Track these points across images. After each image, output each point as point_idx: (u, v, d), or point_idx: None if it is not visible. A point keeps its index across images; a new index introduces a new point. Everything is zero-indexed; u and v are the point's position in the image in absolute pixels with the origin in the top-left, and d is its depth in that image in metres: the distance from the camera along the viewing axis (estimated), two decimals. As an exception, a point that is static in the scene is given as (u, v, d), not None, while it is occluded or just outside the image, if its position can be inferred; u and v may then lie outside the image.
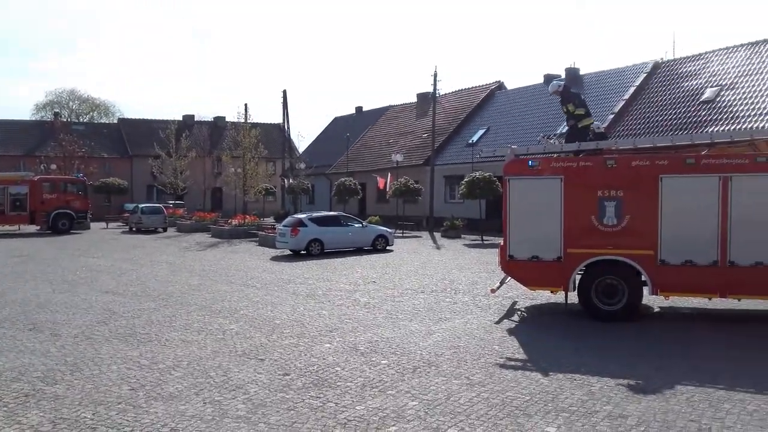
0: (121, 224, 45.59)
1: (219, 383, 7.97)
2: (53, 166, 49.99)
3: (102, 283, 17.05)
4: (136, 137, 61.76)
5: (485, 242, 28.42)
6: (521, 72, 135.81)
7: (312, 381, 8.01)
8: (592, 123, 13.86)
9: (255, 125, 42.82)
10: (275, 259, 23.54)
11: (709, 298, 11.65)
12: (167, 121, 53.63)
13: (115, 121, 72.23)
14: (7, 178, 39.45)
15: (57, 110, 74.16)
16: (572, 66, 39.02)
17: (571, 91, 14.07)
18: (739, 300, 11.66)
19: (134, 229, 40.64)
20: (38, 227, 38.73)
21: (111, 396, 7.40)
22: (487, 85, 46.11)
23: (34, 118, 73.45)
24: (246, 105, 47.34)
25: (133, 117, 69.14)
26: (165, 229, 40.67)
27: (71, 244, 31.00)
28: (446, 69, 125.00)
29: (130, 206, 46.62)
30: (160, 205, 44.00)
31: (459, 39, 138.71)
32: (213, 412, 6.89)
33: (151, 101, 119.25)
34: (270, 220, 43.46)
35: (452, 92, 47.76)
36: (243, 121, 41.77)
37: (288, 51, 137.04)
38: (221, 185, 47.23)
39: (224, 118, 60.02)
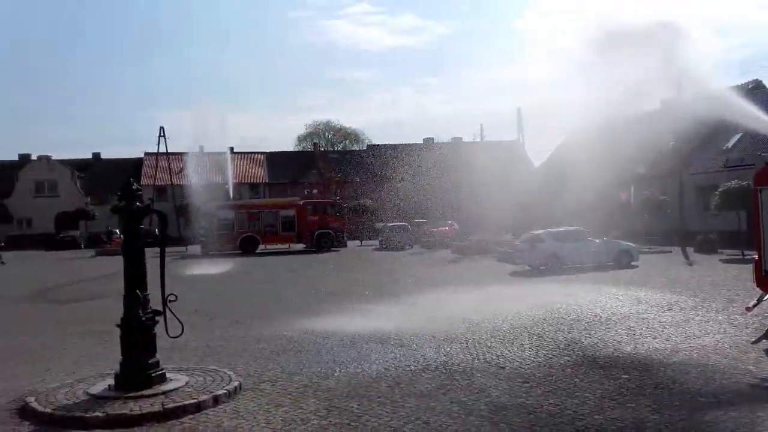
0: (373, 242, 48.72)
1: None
2: (314, 191, 56.32)
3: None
4: (383, 162, 66.03)
5: (746, 257, 25.74)
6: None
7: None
8: None
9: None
10: (514, 274, 23.98)
11: None
12: (411, 144, 56.61)
13: (365, 148, 78.63)
14: (278, 203, 47.18)
15: (315, 141, 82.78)
16: None
17: None
18: None
19: (384, 246, 43.59)
20: (305, 245, 43.95)
21: (371, 391, 8.56)
22: (743, 84, 41.56)
23: (297, 149, 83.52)
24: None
25: (380, 143, 74.32)
26: (411, 246, 43.05)
27: (333, 260, 34.90)
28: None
29: (379, 225, 49.70)
30: (406, 224, 46.35)
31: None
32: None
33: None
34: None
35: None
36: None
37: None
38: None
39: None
